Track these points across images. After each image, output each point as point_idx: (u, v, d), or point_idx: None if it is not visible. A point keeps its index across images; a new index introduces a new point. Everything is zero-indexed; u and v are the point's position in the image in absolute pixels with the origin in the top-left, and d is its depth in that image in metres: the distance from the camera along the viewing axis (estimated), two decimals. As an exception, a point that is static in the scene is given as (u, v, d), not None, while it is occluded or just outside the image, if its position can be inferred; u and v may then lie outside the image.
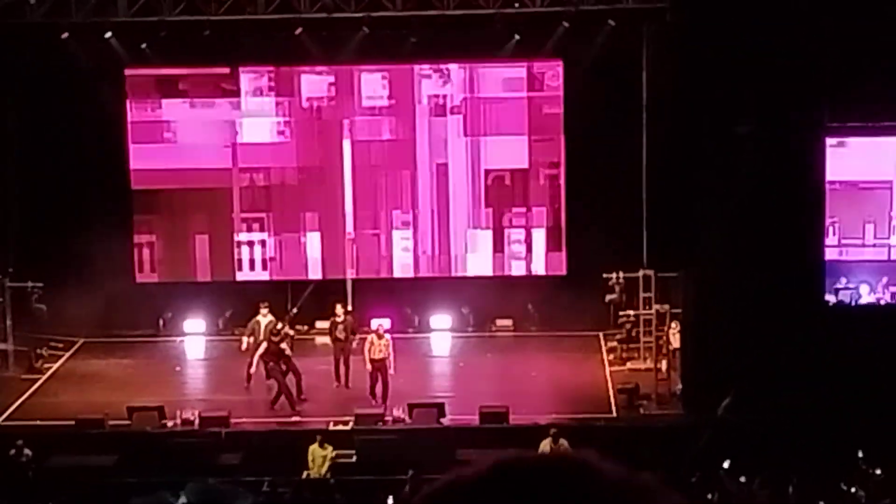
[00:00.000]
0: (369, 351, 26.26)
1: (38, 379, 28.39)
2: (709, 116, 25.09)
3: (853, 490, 21.33)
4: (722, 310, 24.97)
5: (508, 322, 30.69)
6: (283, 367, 26.24)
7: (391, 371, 26.16)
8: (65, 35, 28.85)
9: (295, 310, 28.90)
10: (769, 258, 24.64)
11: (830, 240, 26.04)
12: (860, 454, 22.30)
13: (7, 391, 27.38)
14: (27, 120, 29.50)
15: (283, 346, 26.35)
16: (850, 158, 25.90)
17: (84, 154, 29.78)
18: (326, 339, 28.21)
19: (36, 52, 28.90)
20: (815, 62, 24.24)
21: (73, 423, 25.22)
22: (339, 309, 27.72)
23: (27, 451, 23.98)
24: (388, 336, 26.60)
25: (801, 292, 24.95)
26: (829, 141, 25.38)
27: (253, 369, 26.49)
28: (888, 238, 26.49)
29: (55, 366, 29.12)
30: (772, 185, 24.68)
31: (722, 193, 25.03)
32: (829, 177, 25.47)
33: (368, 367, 26.21)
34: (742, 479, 21.53)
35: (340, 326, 27.32)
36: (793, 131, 24.68)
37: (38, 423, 25.79)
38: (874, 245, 26.45)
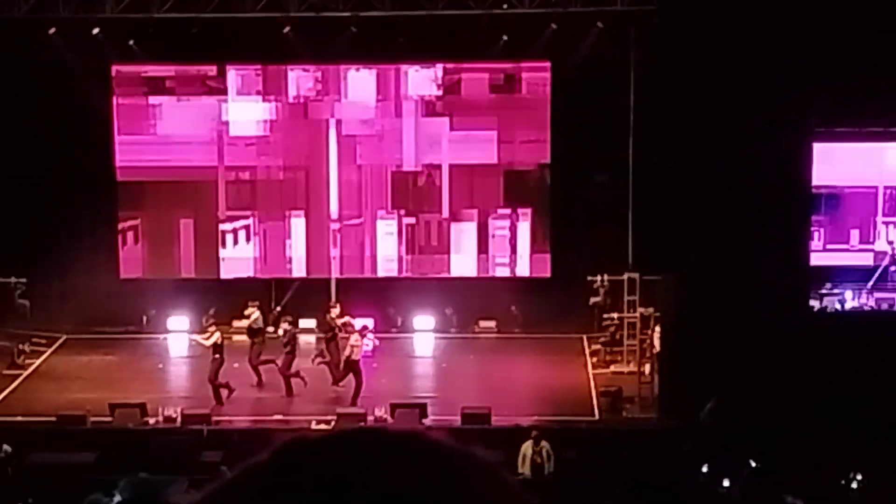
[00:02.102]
0: (352, 351, 26.18)
1: (20, 375, 28.30)
2: (695, 119, 25.10)
3: (836, 494, 21.33)
4: (705, 314, 24.97)
5: (492, 323, 30.68)
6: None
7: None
8: (52, 31, 28.77)
9: (279, 308, 28.87)
10: (754, 262, 24.64)
11: (815, 245, 26.09)
12: (844, 459, 22.31)
13: (-12, 386, 27.30)
14: (13, 115, 29.40)
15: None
16: (836, 164, 25.96)
17: (69, 150, 29.70)
18: (310, 338, 28.17)
19: (23, 47, 28.81)
20: (803, 66, 24.24)
21: (54, 419, 25.13)
22: (335, 309, 27.81)
23: (6, 448, 23.88)
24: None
25: (786, 297, 24.97)
26: (817, 146, 25.42)
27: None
28: (873, 244, 26.56)
29: (37, 362, 29.04)
30: (758, 189, 24.69)
31: (708, 197, 25.04)
32: (814, 181, 25.52)
33: (343, 365, 26.21)
34: (725, 482, 21.52)
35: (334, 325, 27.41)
36: (780, 135, 24.70)
37: (20, 419, 25.70)
38: (859, 250, 26.52)
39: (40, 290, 29.16)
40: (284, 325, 27.07)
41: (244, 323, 27.73)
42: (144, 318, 30.73)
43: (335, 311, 27.80)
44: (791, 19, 24.23)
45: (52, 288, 28.94)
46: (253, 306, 27.51)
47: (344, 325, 26.91)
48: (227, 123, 30.76)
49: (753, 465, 21.58)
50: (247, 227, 31.21)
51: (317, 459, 1.51)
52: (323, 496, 1.44)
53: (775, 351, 24.24)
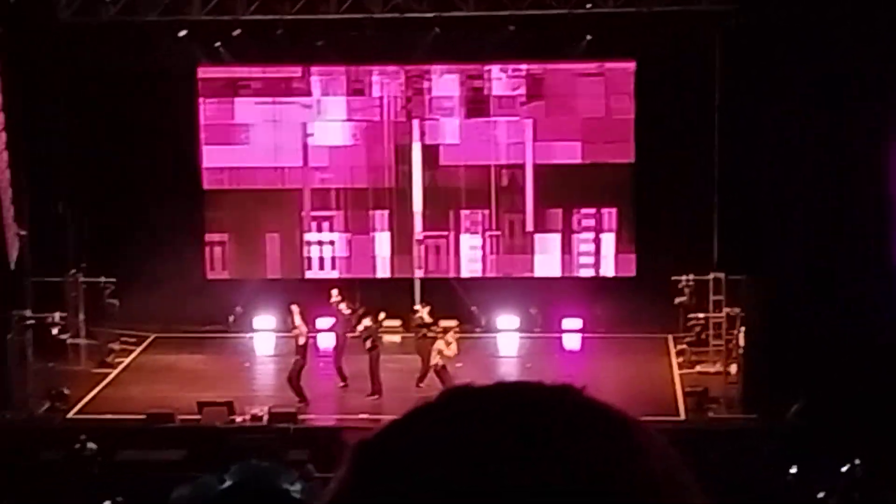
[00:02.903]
0: (440, 354, 26.23)
1: (110, 373, 28.67)
2: (781, 118, 24.93)
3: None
4: (791, 314, 24.78)
5: (577, 323, 30.61)
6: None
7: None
8: (139, 33, 29.07)
9: (362, 308, 28.96)
10: (841, 262, 24.44)
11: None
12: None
13: (78, 385, 27.65)
14: (101, 118, 29.75)
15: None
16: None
17: (157, 151, 30.01)
18: (395, 338, 28.32)
19: (110, 50, 29.12)
20: (888, 65, 24.01)
21: (143, 417, 25.45)
22: (422, 310, 27.98)
23: (91, 445, 24.19)
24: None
25: (872, 297, 24.72)
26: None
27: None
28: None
29: (126, 360, 29.40)
30: (845, 189, 24.49)
31: (794, 197, 24.86)
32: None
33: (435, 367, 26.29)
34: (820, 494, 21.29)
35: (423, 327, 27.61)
36: (867, 135, 24.46)
37: (109, 416, 26.05)
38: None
39: (129, 290, 29.48)
40: (365, 322, 27.23)
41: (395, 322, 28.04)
42: (231, 318, 31.00)
43: (424, 312, 27.89)
44: (875, 18, 24.00)
45: (141, 288, 29.25)
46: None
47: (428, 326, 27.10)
48: (312, 124, 30.94)
49: (847, 467, 21.38)
50: (331, 227, 31.37)
51: (485, 403, 1.49)
52: (493, 436, 1.44)
53: (863, 351, 24.01)
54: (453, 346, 26.25)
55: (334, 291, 28.22)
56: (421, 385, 26.71)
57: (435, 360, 26.11)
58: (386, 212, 31.18)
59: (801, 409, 24.11)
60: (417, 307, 28.27)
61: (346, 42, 29.42)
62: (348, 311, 27.85)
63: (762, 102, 25.63)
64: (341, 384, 27.17)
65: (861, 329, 24.16)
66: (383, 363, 26.88)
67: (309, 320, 28.40)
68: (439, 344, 26.27)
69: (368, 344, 26.81)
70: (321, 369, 27.20)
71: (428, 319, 27.67)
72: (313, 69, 30.61)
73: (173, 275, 29.42)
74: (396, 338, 28.83)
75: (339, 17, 28.81)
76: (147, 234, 29.80)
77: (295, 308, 27.08)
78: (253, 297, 30.87)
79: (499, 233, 31.17)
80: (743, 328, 26.85)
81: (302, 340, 26.69)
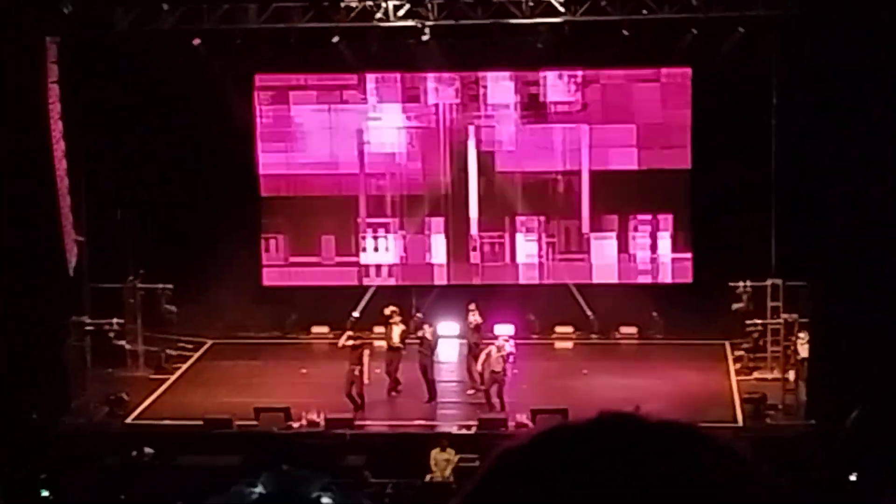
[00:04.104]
0: (488, 361, 26.29)
1: (167, 379, 28.84)
2: (838, 124, 24.76)
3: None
4: (851, 320, 24.59)
5: (633, 329, 30.53)
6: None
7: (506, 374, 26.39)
8: (197, 41, 29.25)
9: (420, 314, 29.03)
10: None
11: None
12: None
13: (137, 391, 27.83)
14: (159, 125, 29.93)
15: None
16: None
17: (214, 158, 30.19)
18: (453, 343, 28.47)
19: (168, 58, 29.31)
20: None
21: (200, 422, 25.58)
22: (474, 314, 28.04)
23: (148, 450, 24.34)
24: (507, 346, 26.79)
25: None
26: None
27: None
28: None
29: (184, 366, 29.57)
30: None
31: (852, 202, 24.68)
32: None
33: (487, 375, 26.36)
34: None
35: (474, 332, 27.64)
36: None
37: (167, 422, 26.19)
38: None
39: (186, 297, 29.65)
40: (425, 329, 27.33)
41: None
42: (287, 324, 31.11)
43: (475, 317, 27.93)
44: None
45: (198, 294, 29.42)
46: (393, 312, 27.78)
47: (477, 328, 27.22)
48: (368, 131, 31.02)
49: None
50: (387, 234, 31.43)
51: (580, 446, 1.53)
52: (588, 481, 1.48)
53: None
54: (508, 347, 26.33)
55: (389, 308, 28.09)
56: (470, 392, 26.80)
57: (496, 367, 26.16)
58: (441, 218, 31.21)
59: (861, 416, 23.93)
60: (471, 313, 28.23)
61: (401, 48, 29.47)
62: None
63: (819, 107, 25.47)
64: (394, 392, 27.22)
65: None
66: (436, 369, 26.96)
67: (366, 327, 28.51)
68: (493, 350, 26.30)
69: (425, 350, 26.85)
70: (376, 375, 27.21)
71: (476, 322, 27.75)
72: (368, 76, 30.69)
73: (230, 281, 29.56)
74: (455, 343, 28.82)
75: (395, 25, 28.86)
76: (204, 241, 29.96)
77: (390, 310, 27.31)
78: (310, 304, 30.97)
79: (555, 239, 31.12)
80: (802, 334, 26.67)
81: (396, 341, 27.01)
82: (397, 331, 27.36)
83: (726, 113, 28.93)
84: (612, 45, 28.98)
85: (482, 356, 26.45)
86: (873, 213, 24.51)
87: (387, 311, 27.85)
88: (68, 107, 27.63)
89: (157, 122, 29.94)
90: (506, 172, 30.92)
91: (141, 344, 29.38)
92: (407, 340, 27.50)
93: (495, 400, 26.14)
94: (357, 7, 28.63)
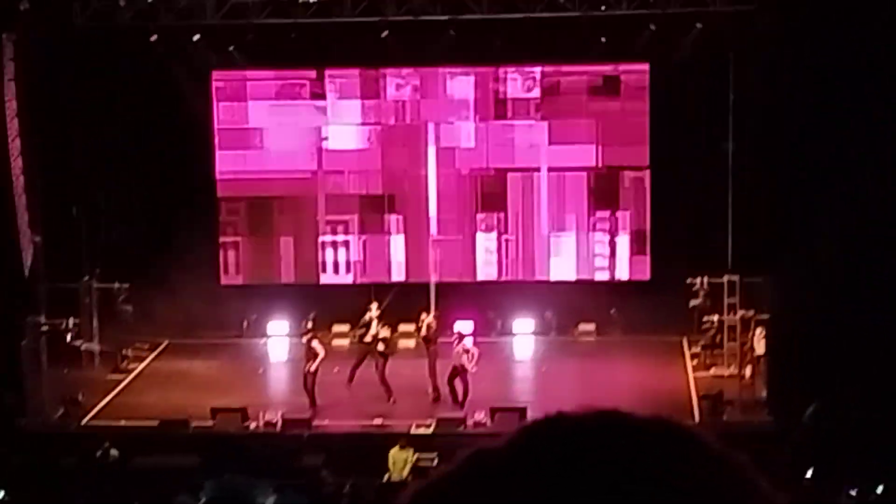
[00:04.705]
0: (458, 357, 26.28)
1: (124, 379, 28.65)
2: (796, 119, 24.82)
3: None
4: (808, 315, 24.65)
5: (591, 327, 30.54)
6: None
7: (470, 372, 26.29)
8: (153, 38, 29.07)
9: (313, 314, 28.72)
10: (859, 263, 24.30)
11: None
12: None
13: (93, 391, 27.63)
14: (116, 123, 29.75)
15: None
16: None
17: (171, 156, 30.03)
18: (409, 343, 28.28)
19: (126, 55, 29.13)
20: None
21: (156, 423, 25.42)
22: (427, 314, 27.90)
23: (114, 452, 24.18)
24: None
25: (891, 300, 24.57)
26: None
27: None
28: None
29: (140, 366, 29.38)
30: (859, 187, 24.34)
31: (808, 197, 24.74)
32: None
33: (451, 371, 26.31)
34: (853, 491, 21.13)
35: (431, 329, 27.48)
36: (883, 134, 24.34)
37: (123, 423, 26.01)
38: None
39: (143, 296, 29.48)
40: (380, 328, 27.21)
41: (410, 327, 27.97)
42: (245, 324, 30.95)
43: (430, 318, 27.76)
44: (892, 14, 23.87)
45: (155, 294, 29.23)
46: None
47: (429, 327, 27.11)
48: (326, 128, 30.91)
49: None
50: (346, 232, 31.33)
51: (569, 441, 1.44)
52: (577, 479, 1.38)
53: (882, 352, 23.87)
54: (468, 344, 26.32)
55: (373, 305, 27.89)
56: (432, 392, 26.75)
57: (457, 361, 26.12)
58: (400, 216, 31.13)
59: (817, 411, 24.00)
60: (424, 316, 28.04)
61: (360, 45, 29.37)
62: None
63: (777, 103, 25.52)
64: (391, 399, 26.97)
65: (878, 330, 24.02)
66: (398, 368, 26.83)
67: (324, 325, 28.39)
68: (459, 348, 26.26)
69: (381, 348, 26.73)
70: (334, 375, 27.08)
71: (433, 326, 27.55)
72: (327, 72, 30.58)
73: (187, 280, 29.37)
74: (411, 342, 28.72)
75: (354, 21, 28.75)
76: (161, 240, 29.79)
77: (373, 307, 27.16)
78: (267, 303, 30.82)
79: (514, 236, 31.10)
80: (758, 330, 26.74)
81: (368, 339, 26.80)
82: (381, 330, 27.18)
83: (684, 108, 28.98)
84: (570, 41, 28.97)
85: (454, 354, 26.31)
86: (830, 209, 24.56)
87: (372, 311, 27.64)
88: (25, 104, 27.39)
89: (113, 119, 29.76)
90: (464, 169, 30.86)
91: (97, 344, 29.17)
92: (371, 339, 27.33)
93: (457, 390, 26.07)
94: (315, 3, 28.52)
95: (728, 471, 1.47)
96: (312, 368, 26.22)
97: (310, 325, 27.31)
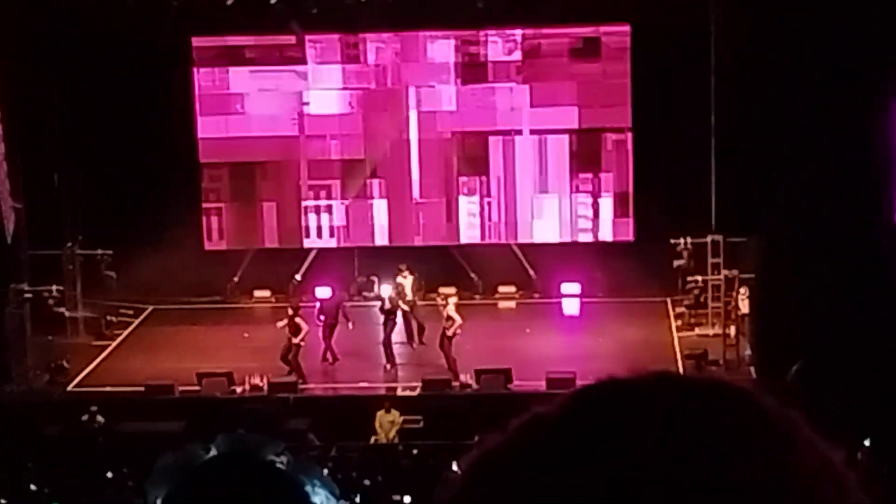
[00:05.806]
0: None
1: (109, 345, 28.66)
2: (778, 78, 24.84)
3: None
4: (792, 274, 24.74)
5: (576, 288, 30.58)
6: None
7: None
8: (133, 4, 28.92)
9: (299, 277, 28.80)
10: (840, 222, 24.36)
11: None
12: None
13: (78, 358, 27.64)
14: (95, 89, 29.62)
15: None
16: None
17: (152, 122, 29.90)
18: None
19: (105, 21, 28.99)
20: (886, 23, 23.89)
21: (142, 389, 25.46)
22: (406, 273, 27.94)
23: (100, 418, 24.21)
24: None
25: (873, 257, 24.67)
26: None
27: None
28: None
29: (125, 332, 29.38)
30: (842, 146, 24.39)
31: (792, 157, 24.79)
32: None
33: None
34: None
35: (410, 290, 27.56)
36: (863, 93, 24.37)
37: (109, 389, 26.04)
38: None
39: (126, 262, 29.42)
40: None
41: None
42: (229, 288, 30.95)
43: (407, 281, 27.82)
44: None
45: (138, 260, 29.18)
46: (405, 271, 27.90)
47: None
48: (307, 93, 30.84)
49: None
50: (328, 196, 31.29)
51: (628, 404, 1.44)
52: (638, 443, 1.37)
53: (863, 311, 23.96)
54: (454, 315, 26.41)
55: (402, 266, 28.08)
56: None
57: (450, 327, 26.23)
58: (383, 179, 31.11)
59: (801, 369, 24.10)
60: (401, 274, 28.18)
61: (340, 9, 29.27)
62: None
63: (758, 63, 25.52)
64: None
65: (861, 286, 24.11)
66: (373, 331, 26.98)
67: (309, 289, 28.40)
68: (446, 313, 26.34)
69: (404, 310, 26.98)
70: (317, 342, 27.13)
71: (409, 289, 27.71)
72: (307, 37, 30.49)
73: (171, 246, 29.32)
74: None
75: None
76: (144, 206, 29.71)
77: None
78: (250, 267, 30.82)
79: (496, 199, 31.10)
80: (742, 289, 26.82)
81: (388, 305, 27.03)
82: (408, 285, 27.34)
83: (666, 70, 28.96)
84: (550, 3, 28.92)
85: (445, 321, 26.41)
86: (812, 168, 24.62)
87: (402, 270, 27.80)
88: (2, 72, 27.26)
89: (93, 86, 29.61)
90: (446, 132, 30.83)
91: (81, 311, 29.16)
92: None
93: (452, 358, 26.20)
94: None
95: (786, 429, 1.48)
96: (296, 340, 26.24)
97: (298, 279, 27.26)
